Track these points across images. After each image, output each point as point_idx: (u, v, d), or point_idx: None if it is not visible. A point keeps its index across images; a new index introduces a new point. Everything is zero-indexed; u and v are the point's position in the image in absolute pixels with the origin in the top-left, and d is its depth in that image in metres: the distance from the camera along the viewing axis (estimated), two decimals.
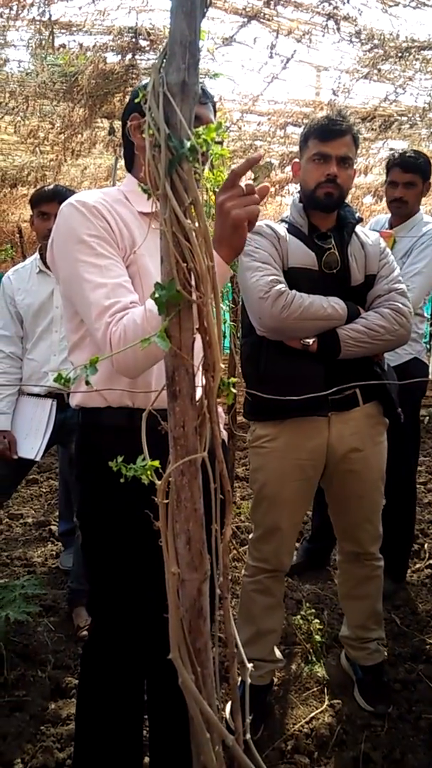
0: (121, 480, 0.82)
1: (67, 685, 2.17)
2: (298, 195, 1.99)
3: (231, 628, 0.77)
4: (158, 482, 0.77)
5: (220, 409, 1.75)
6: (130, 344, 1.17)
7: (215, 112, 1.53)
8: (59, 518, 3.30)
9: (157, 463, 0.80)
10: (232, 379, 0.82)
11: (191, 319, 0.77)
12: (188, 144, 0.74)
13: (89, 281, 1.27)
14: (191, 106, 0.77)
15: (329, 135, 1.84)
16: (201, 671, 0.75)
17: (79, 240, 1.30)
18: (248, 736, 0.76)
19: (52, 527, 3.52)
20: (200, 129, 0.75)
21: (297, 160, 1.99)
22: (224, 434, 1.71)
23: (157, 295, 0.75)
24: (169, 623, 0.74)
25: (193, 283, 0.77)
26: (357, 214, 1.99)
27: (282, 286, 1.81)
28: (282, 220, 2.01)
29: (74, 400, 1.45)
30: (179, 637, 0.74)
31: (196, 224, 0.75)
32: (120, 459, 0.83)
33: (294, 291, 1.81)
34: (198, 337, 0.79)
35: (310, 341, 1.84)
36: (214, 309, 0.79)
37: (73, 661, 2.32)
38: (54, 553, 3.26)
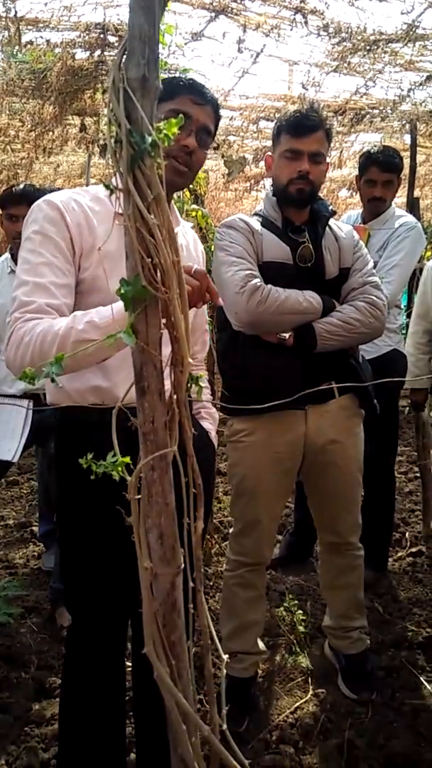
0: (92, 477, 0.82)
1: (50, 685, 2.17)
2: (272, 189, 2.00)
3: (205, 620, 0.78)
4: (129, 478, 0.77)
5: (213, 410, 1.75)
6: (21, 350, 1.23)
7: (217, 117, 1.49)
8: (39, 519, 3.28)
9: (127, 459, 0.80)
10: (200, 374, 0.82)
11: (158, 314, 0.77)
12: (149, 139, 0.74)
13: (18, 277, 1.32)
14: (152, 101, 0.77)
15: (301, 131, 1.84)
16: (176, 664, 0.75)
17: (27, 237, 1.34)
18: (224, 726, 0.77)
19: (33, 528, 3.50)
20: (161, 124, 0.75)
21: (270, 153, 1.99)
22: (212, 431, 1.70)
23: (122, 291, 0.75)
24: (143, 617, 0.74)
25: (159, 278, 0.77)
26: (330, 207, 2.00)
27: (258, 281, 1.81)
28: (256, 214, 2.01)
29: (48, 398, 1.46)
30: (153, 631, 0.75)
31: (160, 219, 0.75)
32: (90, 456, 0.83)
33: (270, 285, 1.82)
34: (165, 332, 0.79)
35: (287, 335, 1.85)
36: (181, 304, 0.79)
37: (56, 662, 2.31)
38: (36, 554, 3.24)
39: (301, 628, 2.39)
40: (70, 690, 1.55)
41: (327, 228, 1.96)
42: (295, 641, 2.37)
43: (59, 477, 1.48)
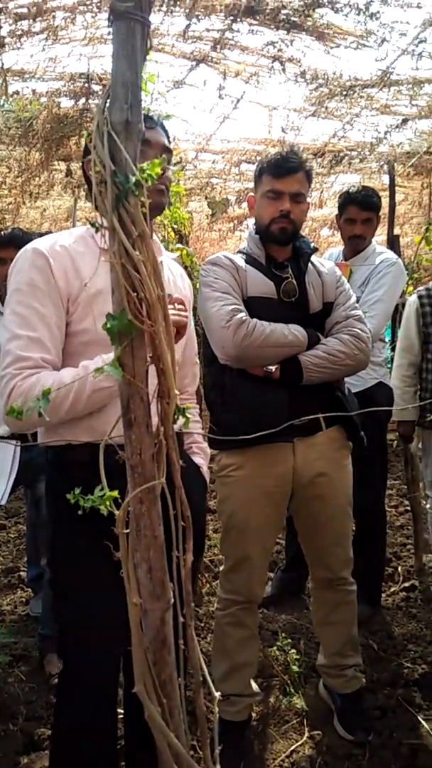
0: (79, 512, 0.81)
1: (40, 737, 2.08)
2: (254, 227, 2.04)
3: (196, 656, 0.76)
4: (117, 512, 0.77)
5: (205, 444, 1.75)
6: (28, 404, 1.24)
7: (167, 134, 1.55)
8: (27, 563, 3.21)
9: (115, 493, 0.79)
10: (188, 405, 0.83)
11: (144, 347, 0.78)
12: (133, 179, 0.76)
13: (9, 330, 1.35)
14: (136, 143, 0.80)
15: (282, 172, 1.90)
16: (167, 703, 0.74)
17: (15, 288, 1.36)
18: (218, 767, 0.74)
19: (21, 574, 3.41)
20: (145, 164, 0.78)
21: (252, 194, 2.04)
22: (203, 466, 1.70)
23: (108, 326, 0.76)
24: (133, 655, 0.73)
25: (144, 312, 0.78)
26: (312, 244, 2.05)
27: (243, 315, 1.84)
28: (239, 252, 2.05)
29: (38, 438, 1.46)
30: (144, 669, 0.73)
31: (145, 255, 0.77)
32: (78, 491, 0.82)
33: (255, 319, 1.84)
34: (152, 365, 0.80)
35: (273, 368, 1.87)
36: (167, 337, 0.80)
37: (45, 712, 2.22)
38: (24, 599, 3.15)
39: (294, 668, 2.33)
40: (60, 740, 1.49)
41: (310, 264, 2.00)
42: (289, 682, 2.31)
43: (50, 516, 1.46)
